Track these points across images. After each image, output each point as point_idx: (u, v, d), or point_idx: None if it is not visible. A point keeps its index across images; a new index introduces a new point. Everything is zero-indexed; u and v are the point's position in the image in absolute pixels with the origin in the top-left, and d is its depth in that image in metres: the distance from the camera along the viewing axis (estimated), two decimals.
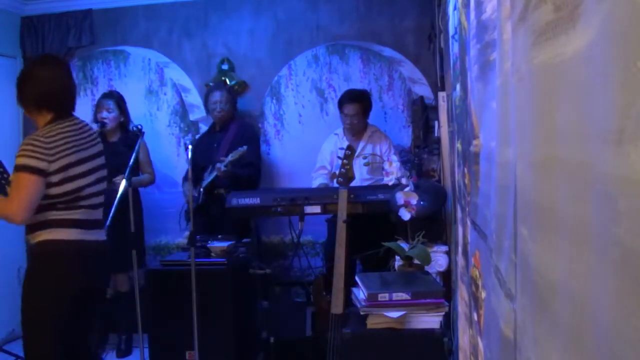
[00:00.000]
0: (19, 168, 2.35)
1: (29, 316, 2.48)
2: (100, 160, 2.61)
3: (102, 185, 2.62)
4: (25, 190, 2.35)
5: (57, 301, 2.44)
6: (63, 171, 2.41)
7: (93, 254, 2.53)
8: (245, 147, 3.85)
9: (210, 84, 4.55)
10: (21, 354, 3.79)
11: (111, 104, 4.16)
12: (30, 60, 2.62)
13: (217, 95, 4.21)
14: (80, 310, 2.51)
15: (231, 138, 4.21)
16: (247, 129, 4.38)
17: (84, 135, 2.55)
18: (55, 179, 2.39)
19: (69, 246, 2.45)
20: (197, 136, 3.31)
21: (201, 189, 4.03)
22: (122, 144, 4.11)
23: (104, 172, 2.64)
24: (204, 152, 4.09)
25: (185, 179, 4.17)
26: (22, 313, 2.51)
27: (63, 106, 2.53)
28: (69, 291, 2.46)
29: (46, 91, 2.48)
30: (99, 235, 2.59)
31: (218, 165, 3.92)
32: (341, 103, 4.04)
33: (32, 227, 2.47)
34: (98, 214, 2.59)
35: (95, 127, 4.01)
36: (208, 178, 4.06)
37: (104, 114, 4.10)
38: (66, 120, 2.51)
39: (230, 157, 3.88)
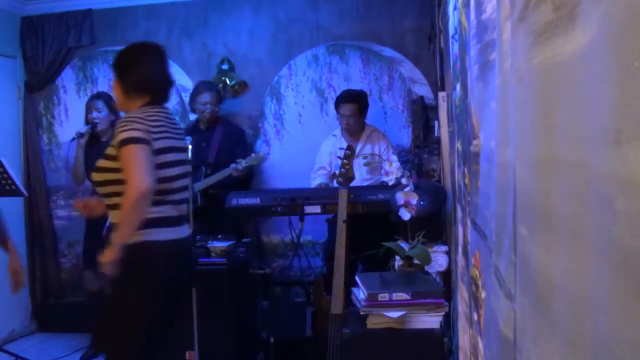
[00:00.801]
0: (123, 142, 2.24)
1: (122, 315, 2.37)
2: (186, 155, 2.56)
3: (187, 181, 2.53)
4: (140, 160, 2.22)
5: (151, 300, 2.37)
6: (161, 154, 2.32)
7: (182, 251, 2.46)
8: (265, 153, 3.96)
9: (198, 82, 4.51)
10: (21, 354, 3.80)
11: (100, 104, 4.16)
12: (133, 44, 2.52)
13: (207, 97, 4.19)
14: (169, 305, 2.47)
15: (219, 138, 4.21)
16: (234, 129, 4.38)
17: (174, 125, 2.49)
18: (156, 160, 2.30)
19: (160, 247, 2.34)
20: (188, 137, 3.28)
21: (197, 191, 4.00)
22: None
23: (189, 168, 2.56)
24: (191, 152, 4.06)
25: None
26: (109, 311, 2.42)
27: (160, 93, 2.47)
28: (162, 290, 2.39)
29: (150, 77, 2.43)
30: (186, 230, 2.51)
31: (234, 166, 3.94)
32: (337, 103, 4.04)
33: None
34: (184, 210, 2.51)
35: (84, 128, 4.03)
36: (208, 179, 4.06)
37: (94, 114, 4.11)
38: (159, 107, 2.44)
39: (247, 161, 3.94)
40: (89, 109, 4.19)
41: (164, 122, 2.38)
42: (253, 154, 4.03)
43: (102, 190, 2.42)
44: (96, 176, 2.40)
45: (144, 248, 2.32)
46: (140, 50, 2.49)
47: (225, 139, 4.23)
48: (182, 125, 4.71)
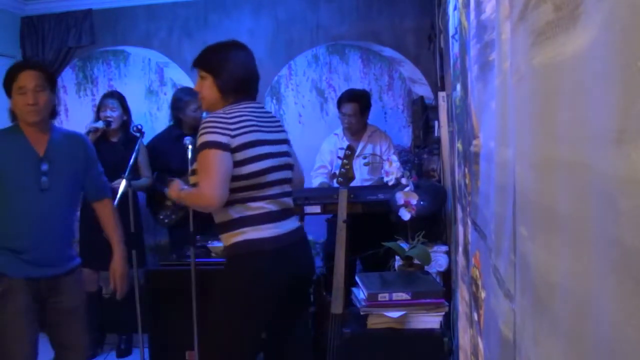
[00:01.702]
0: (201, 147, 2.21)
1: (232, 324, 2.29)
2: (283, 147, 2.44)
3: (285, 174, 2.42)
4: (214, 167, 2.18)
5: (262, 301, 2.27)
6: (245, 149, 2.25)
7: (290, 245, 2.33)
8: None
9: (180, 87, 4.46)
10: None
11: (115, 102, 4.15)
12: (223, 42, 2.49)
13: (196, 105, 4.07)
14: (286, 303, 2.35)
15: None
16: None
17: (266, 118, 2.41)
18: (238, 157, 2.23)
19: (265, 244, 2.25)
20: (188, 138, 3.21)
21: None
22: (122, 144, 4.10)
23: (287, 159, 2.44)
24: (181, 157, 4.02)
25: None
26: (213, 315, 2.35)
27: (252, 92, 2.44)
28: (271, 290, 2.28)
29: (247, 75, 2.40)
30: (291, 224, 2.39)
31: None
32: (340, 102, 4.05)
33: (220, 228, 2.32)
34: (286, 203, 2.40)
35: (101, 124, 3.98)
36: None
37: (108, 112, 4.08)
38: (247, 102, 2.38)
39: None
40: (102, 107, 4.16)
41: (249, 116, 2.31)
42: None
43: None
44: (192, 179, 2.36)
45: (243, 247, 2.26)
46: (233, 47, 2.45)
47: None
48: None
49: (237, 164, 2.23)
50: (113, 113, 4.09)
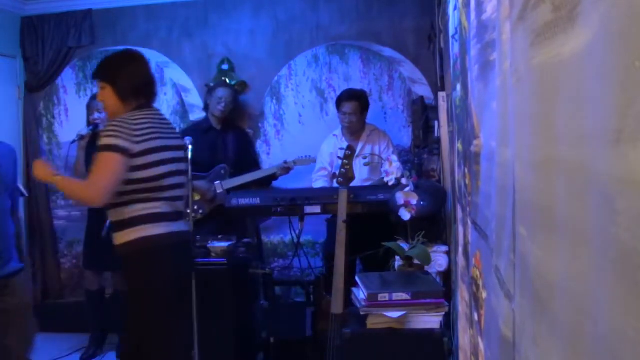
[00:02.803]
0: (102, 148, 2.37)
1: (137, 316, 2.47)
2: (181, 153, 2.63)
3: (182, 179, 2.63)
4: (108, 170, 2.35)
5: (166, 293, 2.46)
6: (147, 155, 2.42)
7: (182, 243, 2.55)
8: (314, 157, 4.15)
9: (212, 84, 4.54)
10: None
11: (101, 105, 4.15)
12: (118, 52, 2.72)
13: (223, 92, 4.20)
14: (183, 299, 2.58)
15: (236, 139, 4.26)
16: (245, 132, 4.51)
17: (165, 125, 2.60)
18: (139, 162, 2.40)
19: (159, 240, 2.45)
20: (188, 138, 3.22)
21: (225, 190, 4.02)
22: None
23: (185, 166, 2.66)
24: (209, 151, 4.13)
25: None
26: (133, 314, 2.50)
27: (151, 97, 2.61)
28: (174, 282, 2.49)
29: (144, 81, 2.57)
30: (183, 226, 2.61)
31: (284, 165, 4.11)
32: (339, 101, 4.04)
33: (117, 226, 2.46)
34: (180, 206, 2.60)
35: (85, 130, 3.99)
36: (241, 178, 4.11)
37: (96, 115, 4.09)
38: (148, 109, 2.56)
39: (297, 160, 4.14)
40: (90, 109, 4.16)
41: (152, 123, 2.49)
42: (304, 156, 4.17)
43: None
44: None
45: (139, 244, 2.42)
46: (127, 56, 2.64)
47: (241, 140, 4.30)
48: (182, 125, 4.73)
49: (138, 167, 2.40)
50: (101, 115, 4.10)
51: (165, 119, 2.65)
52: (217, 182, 4.10)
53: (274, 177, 4.20)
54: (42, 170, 2.54)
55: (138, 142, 2.39)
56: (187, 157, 2.68)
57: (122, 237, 2.45)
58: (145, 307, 2.45)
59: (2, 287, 2.72)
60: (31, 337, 2.90)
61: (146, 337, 2.48)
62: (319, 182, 4.11)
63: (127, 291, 2.49)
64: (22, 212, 4.83)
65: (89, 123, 4.07)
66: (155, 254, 2.44)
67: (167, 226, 2.47)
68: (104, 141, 2.37)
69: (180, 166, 2.60)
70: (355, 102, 3.99)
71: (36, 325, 2.97)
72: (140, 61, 2.61)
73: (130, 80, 2.52)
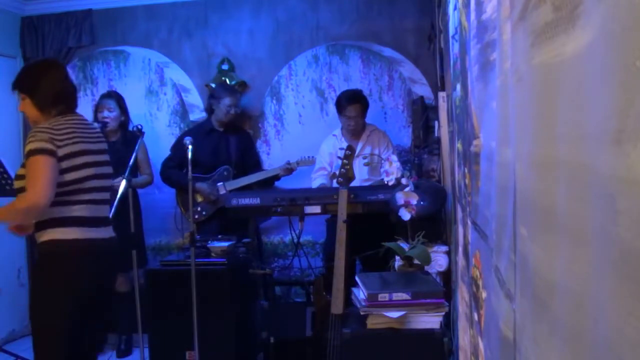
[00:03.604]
0: (30, 153, 2.39)
1: (37, 316, 2.49)
2: (104, 157, 2.66)
3: (107, 182, 2.65)
4: (42, 172, 2.37)
5: (65, 301, 2.45)
6: (69, 159, 2.45)
7: (99, 251, 2.54)
8: (315, 157, 4.17)
9: (212, 84, 4.54)
10: (21, 354, 3.80)
11: (112, 103, 4.16)
12: (33, 63, 2.77)
13: (230, 101, 4.22)
14: (88, 309, 2.53)
15: (238, 140, 4.28)
16: (247, 134, 4.52)
17: (88, 129, 2.63)
18: (62, 165, 2.43)
19: (73, 245, 2.46)
20: (188, 138, 3.20)
21: (229, 191, 4.03)
22: (121, 143, 4.11)
23: (108, 169, 2.67)
24: (211, 152, 4.15)
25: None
26: (31, 311, 2.52)
27: (71, 102, 2.64)
28: (77, 290, 2.48)
29: (61, 90, 2.59)
30: (106, 232, 2.60)
31: (287, 166, 4.14)
32: (341, 105, 4.03)
33: (37, 226, 2.50)
34: (103, 211, 2.61)
35: (96, 127, 4.00)
36: (245, 179, 4.11)
37: (105, 113, 4.10)
38: (70, 115, 2.60)
39: (300, 161, 4.17)
40: (99, 107, 4.17)
41: (73, 128, 2.53)
42: (307, 157, 4.19)
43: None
44: (16, 183, 2.55)
45: (53, 245, 2.45)
46: (43, 67, 2.67)
47: (242, 141, 4.32)
48: (182, 125, 4.73)
49: (61, 171, 2.42)
50: (110, 114, 4.11)
51: (88, 124, 2.68)
52: (220, 183, 4.11)
53: (276, 177, 4.21)
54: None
55: (60, 147, 2.43)
56: (108, 161, 2.69)
57: (39, 237, 2.49)
58: (44, 309, 2.46)
59: None
60: None
61: (38, 334, 2.49)
62: (318, 180, 4.11)
63: (39, 292, 2.49)
64: None
65: (96, 120, 4.07)
66: (63, 259, 2.46)
67: (83, 232, 2.49)
68: (30, 147, 2.40)
69: (104, 169, 2.63)
70: (358, 104, 4.00)
71: None
72: (56, 69, 2.64)
73: (47, 90, 2.56)
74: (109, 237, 2.62)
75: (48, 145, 2.40)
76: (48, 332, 2.46)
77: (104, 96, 4.27)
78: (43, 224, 2.47)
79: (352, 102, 3.99)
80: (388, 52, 4.47)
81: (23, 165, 2.50)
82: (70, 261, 2.47)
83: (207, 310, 3.26)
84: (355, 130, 4.04)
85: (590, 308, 0.59)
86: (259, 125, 4.67)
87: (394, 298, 2.41)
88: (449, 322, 2.71)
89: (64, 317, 2.45)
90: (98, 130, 2.74)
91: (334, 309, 2.99)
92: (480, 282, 1.59)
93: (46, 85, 2.56)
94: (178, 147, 4.03)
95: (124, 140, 4.13)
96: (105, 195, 2.64)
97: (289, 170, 4.14)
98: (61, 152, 2.43)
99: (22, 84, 2.61)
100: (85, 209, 2.51)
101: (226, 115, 4.21)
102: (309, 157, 4.19)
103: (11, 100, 4.80)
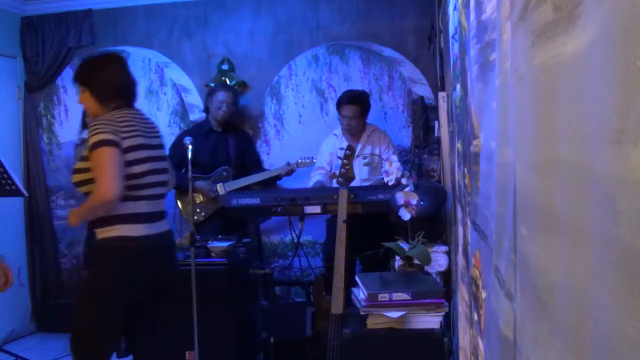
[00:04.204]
0: (95, 145, 2.37)
1: (90, 309, 2.48)
2: (161, 152, 2.66)
3: (164, 177, 2.64)
4: (110, 163, 2.36)
5: (124, 295, 2.48)
6: (130, 152, 2.44)
7: (159, 247, 2.56)
8: (314, 158, 4.16)
9: (212, 84, 4.55)
10: (21, 354, 3.80)
11: None
12: (93, 56, 2.76)
13: (223, 96, 4.20)
14: (145, 306, 2.58)
15: (237, 141, 4.27)
16: (246, 134, 4.52)
17: (145, 124, 2.62)
18: (126, 157, 2.43)
19: (135, 243, 2.46)
20: (188, 138, 3.20)
21: (228, 191, 4.03)
22: None
23: (165, 164, 2.67)
24: (210, 153, 4.14)
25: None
26: (81, 304, 2.53)
27: (131, 95, 2.65)
28: (138, 286, 2.51)
29: (120, 83, 2.59)
30: (163, 226, 2.61)
31: (287, 167, 4.14)
32: (339, 104, 4.03)
33: (96, 222, 2.49)
34: (160, 205, 2.62)
35: (86, 133, 3.99)
36: (246, 179, 4.11)
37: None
38: (128, 108, 2.59)
39: (299, 162, 4.16)
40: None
41: (133, 121, 2.51)
42: (306, 158, 4.19)
43: (81, 190, 2.58)
44: (75, 177, 2.54)
45: (114, 242, 2.44)
46: (102, 59, 2.66)
47: (241, 141, 4.31)
48: (182, 125, 4.73)
49: (125, 164, 2.41)
50: None
51: (146, 118, 2.66)
52: (220, 184, 4.11)
53: (277, 177, 4.21)
54: (75, 215, 2.55)
55: (123, 139, 2.42)
56: (165, 157, 2.68)
57: (101, 233, 2.47)
58: (99, 306, 2.47)
59: None
60: None
61: (86, 332, 2.49)
62: (315, 177, 4.11)
63: (85, 281, 2.50)
64: (22, 212, 4.83)
65: (85, 126, 4.06)
66: (131, 255, 2.46)
67: (146, 228, 2.49)
68: (94, 139, 2.38)
69: (161, 164, 2.62)
70: (355, 105, 3.98)
71: None
72: (116, 63, 2.64)
73: (107, 83, 2.55)
74: (167, 230, 2.64)
75: (113, 137, 2.38)
76: (100, 325, 2.47)
77: None
78: (108, 219, 2.45)
79: (349, 103, 3.99)
80: (388, 52, 4.47)
81: (82, 158, 2.48)
82: (131, 258, 2.46)
83: (207, 310, 3.26)
84: (351, 130, 4.03)
85: (590, 308, 0.59)
86: (259, 125, 4.67)
87: (394, 298, 2.41)
88: (449, 322, 2.71)
89: (120, 312, 2.48)
90: (155, 125, 2.73)
91: (334, 309, 2.99)
92: (480, 282, 1.59)
93: (105, 78, 2.55)
94: (176, 147, 4.01)
95: None
96: (162, 190, 2.64)
97: (289, 171, 4.15)
98: (124, 144, 2.42)
99: (81, 77, 2.59)
100: (147, 205, 2.51)
101: (218, 111, 4.18)
102: (308, 158, 4.19)
103: (11, 100, 4.80)
